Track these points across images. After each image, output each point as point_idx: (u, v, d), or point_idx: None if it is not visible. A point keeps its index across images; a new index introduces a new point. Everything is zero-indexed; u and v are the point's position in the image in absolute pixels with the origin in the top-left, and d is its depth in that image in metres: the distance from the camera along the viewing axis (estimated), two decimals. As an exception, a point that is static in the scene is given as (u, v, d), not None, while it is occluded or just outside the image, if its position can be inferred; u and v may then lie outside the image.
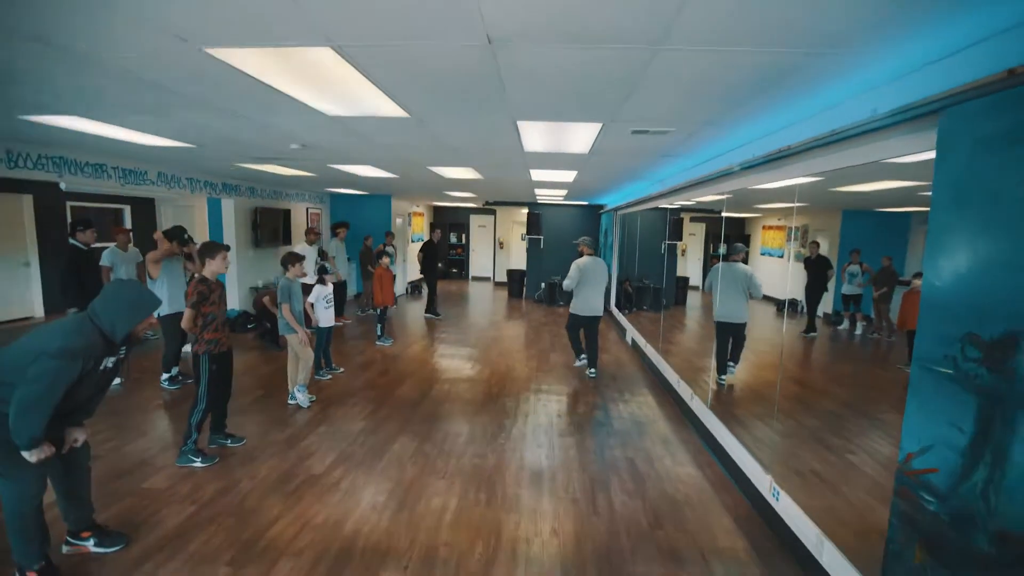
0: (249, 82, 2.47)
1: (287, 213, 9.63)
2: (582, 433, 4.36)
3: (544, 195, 9.35)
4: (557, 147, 4.00)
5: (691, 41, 1.72)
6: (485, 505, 3.19)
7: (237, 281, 8.35)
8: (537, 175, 6.00)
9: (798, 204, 7.50)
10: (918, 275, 5.60)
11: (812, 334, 7.55)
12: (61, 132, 3.99)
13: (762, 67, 1.95)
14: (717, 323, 5.15)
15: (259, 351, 6.62)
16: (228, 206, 8.17)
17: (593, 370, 6.01)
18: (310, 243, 7.70)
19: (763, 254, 11.21)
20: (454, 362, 6.51)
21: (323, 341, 5.54)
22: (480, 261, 15.81)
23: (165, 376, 5.09)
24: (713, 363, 5.05)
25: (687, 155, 4.14)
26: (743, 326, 5.23)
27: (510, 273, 12.76)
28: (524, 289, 12.40)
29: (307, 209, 10.64)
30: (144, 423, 4.28)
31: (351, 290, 10.39)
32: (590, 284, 5.82)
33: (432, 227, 10.87)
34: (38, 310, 8.19)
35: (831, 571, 2.32)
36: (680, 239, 11.10)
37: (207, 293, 3.54)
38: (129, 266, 5.40)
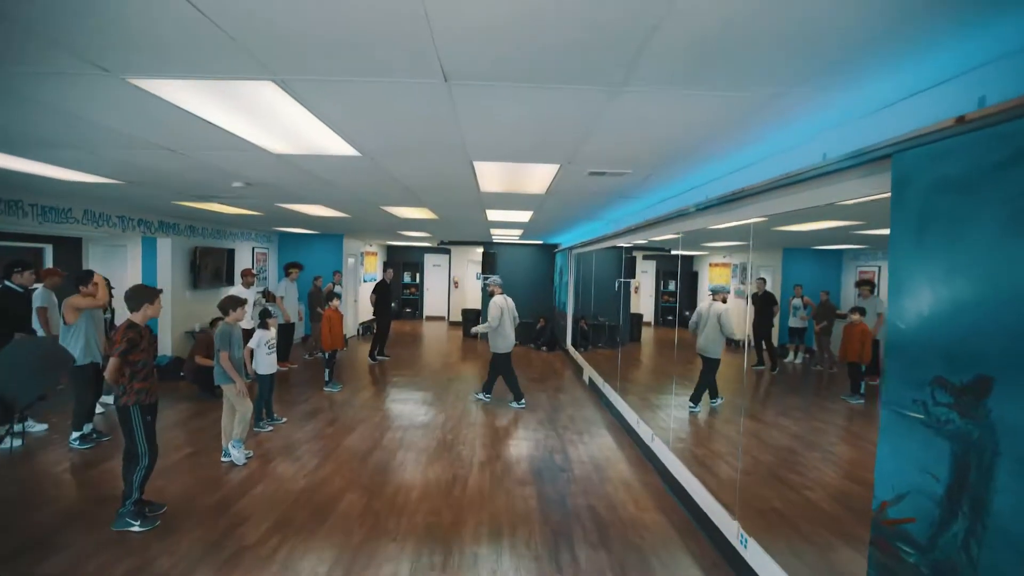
0: (182, 116, 2.29)
1: (231, 253, 9.14)
2: (542, 480, 4.16)
3: (500, 234, 9.36)
4: (514, 187, 3.96)
5: (648, 82, 1.71)
6: (440, 570, 2.92)
7: (171, 326, 7.75)
8: (493, 215, 5.97)
9: (741, 243, 7.86)
10: (854, 310, 5.91)
11: (760, 367, 7.76)
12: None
13: (718, 110, 1.98)
14: (700, 355, 5.38)
15: (190, 401, 6.05)
16: (164, 245, 7.66)
17: (523, 401, 6.34)
18: (247, 285, 7.29)
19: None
20: (407, 407, 6.20)
21: (265, 390, 5.15)
22: (434, 300, 15.55)
23: (75, 435, 4.51)
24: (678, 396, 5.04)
25: (643, 196, 4.21)
26: (716, 361, 5.41)
27: (465, 312, 12.58)
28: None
29: (253, 248, 10.17)
30: (50, 490, 3.74)
31: (298, 332, 9.87)
32: (508, 321, 6.36)
33: (385, 266, 10.62)
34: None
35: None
36: (634, 277, 11.35)
37: (137, 340, 3.19)
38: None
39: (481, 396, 6.57)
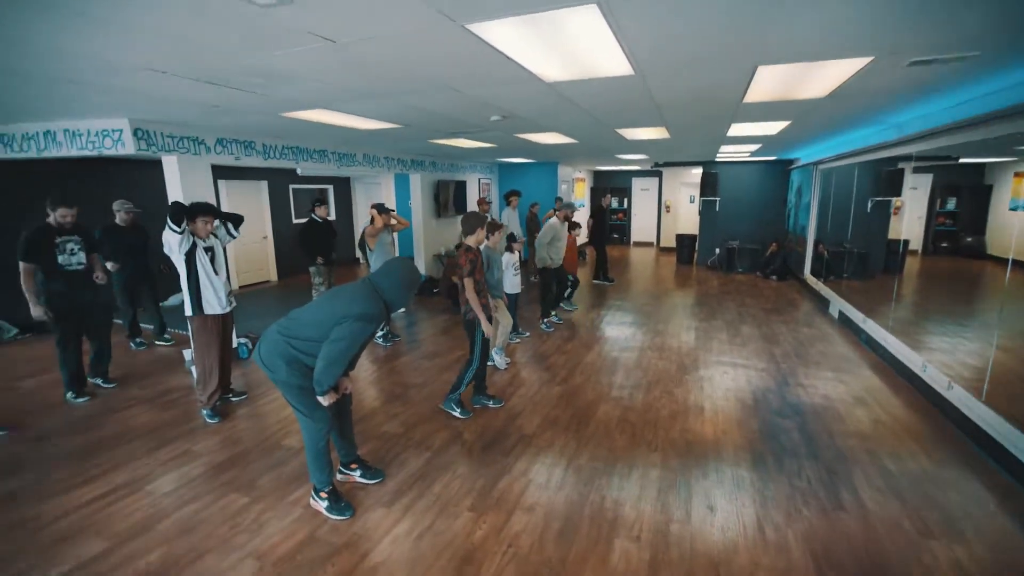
0: (487, 53, 2.48)
1: (461, 184, 10.21)
2: (800, 414, 3.91)
3: (730, 151, 8.46)
4: (787, 94, 3.46)
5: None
6: (709, 482, 3.02)
7: (424, 248, 9.15)
8: (737, 129, 5.38)
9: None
10: None
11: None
12: (302, 124, 4.61)
13: None
14: None
15: (446, 314, 7.15)
16: (415, 180, 8.91)
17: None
18: (483, 213, 8.05)
19: (1014, 209, 8.83)
20: (637, 330, 6.31)
21: (512, 307, 5.78)
22: (642, 226, 15.17)
23: (379, 334, 5.78)
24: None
25: (966, 88, 3.29)
26: None
27: (679, 238, 12.01)
28: (695, 255, 11.59)
29: (479, 180, 11.16)
30: (369, 375, 4.92)
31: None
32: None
33: (595, 192, 10.63)
34: (273, 276, 9.96)
35: None
36: (898, 194, 9.25)
37: (476, 260, 3.77)
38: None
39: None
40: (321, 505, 2.77)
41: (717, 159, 10.28)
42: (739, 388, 4.45)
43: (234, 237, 4.03)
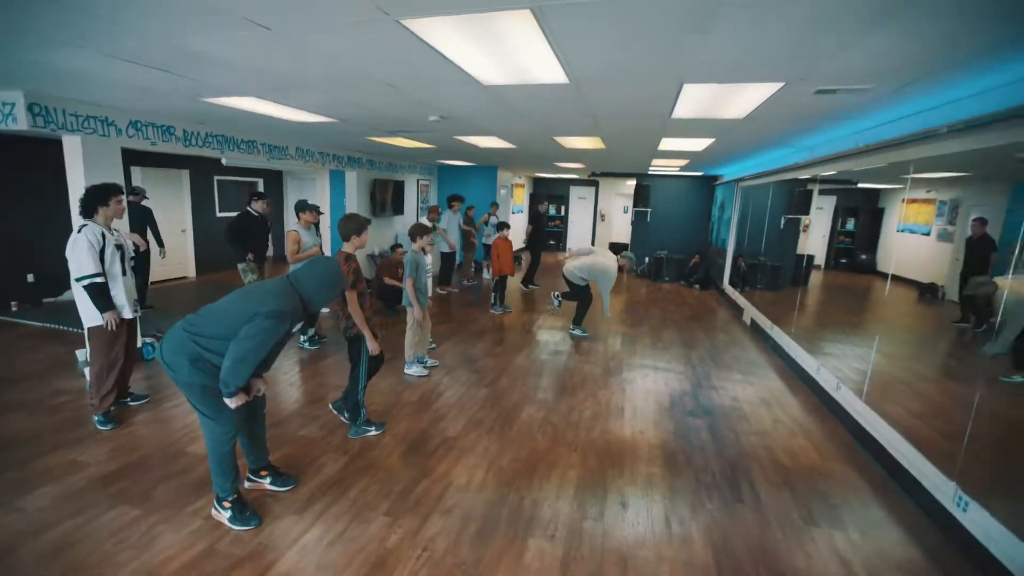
0: (424, 51, 2.45)
1: (399, 184, 10.04)
2: (711, 415, 4.15)
3: (660, 165, 8.87)
4: (709, 113, 3.69)
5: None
6: (622, 480, 3.15)
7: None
8: (666, 144, 5.66)
9: (952, 175, 6.46)
10: None
11: (964, 324, 6.57)
12: (229, 111, 4.37)
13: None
14: None
15: (376, 315, 6.99)
16: (351, 178, 8.65)
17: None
18: (431, 220, 8.00)
19: (902, 231, 9.89)
20: (564, 334, 6.48)
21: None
22: (579, 233, 15.57)
23: (303, 337, 5.54)
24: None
25: (866, 117, 3.64)
26: None
27: (612, 246, 12.42)
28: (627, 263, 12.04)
29: (418, 180, 11.02)
30: (290, 376, 4.72)
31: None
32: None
33: (534, 199, 10.83)
34: (191, 272, 9.34)
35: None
36: (805, 212, 10.11)
37: (359, 270, 3.51)
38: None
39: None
40: (224, 515, 2.62)
41: (650, 171, 10.76)
42: (658, 390, 4.67)
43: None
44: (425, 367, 4.93)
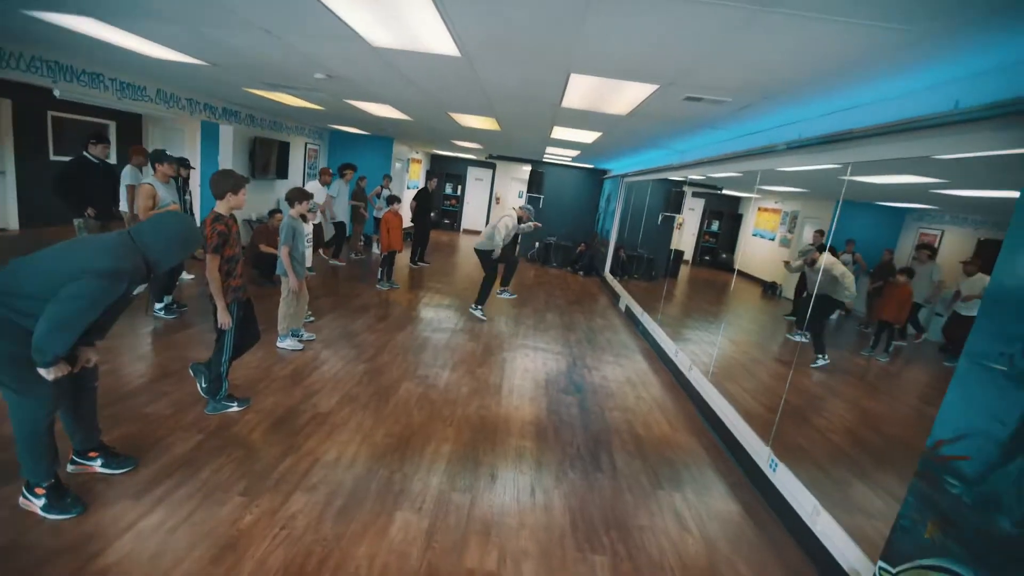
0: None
1: (285, 146, 9.26)
2: (582, 392, 4.45)
3: (554, 154, 9.16)
4: (596, 106, 3.87)
5: (797, 5, 1.64)
6: (493, 454, 3.26)
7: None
8: (559, 132, 5.84)
9: (795, 190, 7.53)
10: (903, 271, 5.77)
11: (793, 317, 7.75)
12: (64, 34, 3.68)
13: (852, 42, 1.89)
14: None
15: (255, 284, 6.45)
16: (227, 132, 7.80)
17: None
18: (324, 183, 7.49)
19: (755, 235, 11.35)
20: (450, 313, 6.49)
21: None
22: (474, 214, 15.60)
23: (159, 305, 4.94)
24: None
25: (726, 128, 4.06)
26: None
27: (506, 230, 12.64)
28: (517, 247, 12.33)
29: (306, 144, 10.25)
30: (139, 348, 4.21)
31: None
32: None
33: (429, 175, 10.62)
34: (12, 222, 7.84)
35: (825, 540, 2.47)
36: (679, 212, 11.15)
37: (227, 233, 3.07)
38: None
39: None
40: (36, 504, 2.26)
41: (545, 159, 11.07)
42: (536, 369, 4.89)
43: None
44: (300, 340, 4.65)
